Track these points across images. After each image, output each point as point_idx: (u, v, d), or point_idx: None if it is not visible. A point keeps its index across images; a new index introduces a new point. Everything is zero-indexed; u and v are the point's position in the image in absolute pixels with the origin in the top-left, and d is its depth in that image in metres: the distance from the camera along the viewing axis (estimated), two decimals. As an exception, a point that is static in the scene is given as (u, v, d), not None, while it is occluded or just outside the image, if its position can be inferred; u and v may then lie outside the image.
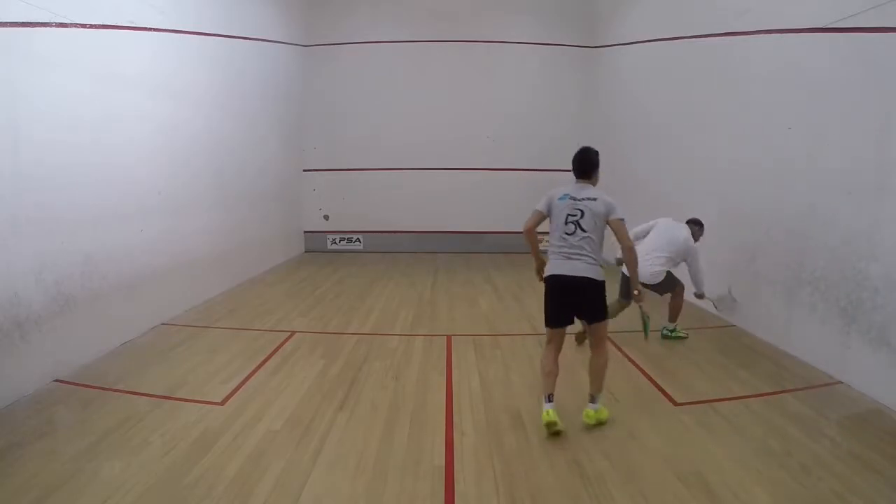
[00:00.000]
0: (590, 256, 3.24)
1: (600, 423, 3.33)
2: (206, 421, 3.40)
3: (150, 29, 5.34)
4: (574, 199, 3.29)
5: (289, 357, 4.65)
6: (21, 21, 3.75)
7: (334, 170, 10.90)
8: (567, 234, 3.26)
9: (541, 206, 3.42)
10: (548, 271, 3.36)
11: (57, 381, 4.01)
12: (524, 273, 8.79)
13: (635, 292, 3.61)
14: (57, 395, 3.81)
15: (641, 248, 4.61)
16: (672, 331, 5.08)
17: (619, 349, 4.82)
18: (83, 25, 4.39)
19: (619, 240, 3.34)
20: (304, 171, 10.85)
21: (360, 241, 10.99)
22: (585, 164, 3.40)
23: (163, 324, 5.53)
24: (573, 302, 3.31)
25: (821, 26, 4.35)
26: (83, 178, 4.43)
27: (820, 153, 4.40)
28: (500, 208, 10.84)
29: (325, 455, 3.02)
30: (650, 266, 4.76)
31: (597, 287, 3.27)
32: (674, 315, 5.07)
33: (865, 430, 3.31)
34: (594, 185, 3.41)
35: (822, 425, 3.39)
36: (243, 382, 4.06)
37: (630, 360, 4.57)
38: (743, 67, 5.54)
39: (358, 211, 10.85)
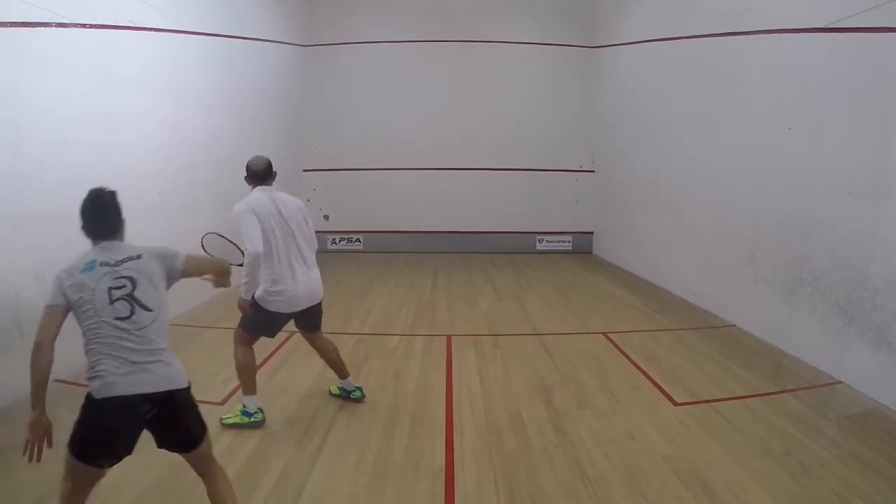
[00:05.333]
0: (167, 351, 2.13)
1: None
2: (207, 421, 3.38)
3: (150, 29, 5.34)
4: (109, 264, 2.16)
5: (289, 357, 4.64)
6: (21, 21, 3.75)
7: (334, 170, 10.90)
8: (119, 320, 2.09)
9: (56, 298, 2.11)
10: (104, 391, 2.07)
11: (57, 380, 3.99)
12: (524, 273, 8.81)
13: None
14: (57, 395, 3.77)
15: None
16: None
17: (620, 349, 4.83)
18: (83, 25, 4.38)
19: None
20: (304, 171, 10.85)
21: (359, 241, 10.99)
22: (111, 215, 2.29)
23: (163, 324, 5.52)
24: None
25: (820, 26, 4.35)
26: (83, 178, 4.38)
27: (820, 153, 4.40)
28: (500, 208, 10.87)
29: (325, 455, 3.03)
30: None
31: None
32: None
33: (865, 430, 3.31)
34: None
35: (822, 425, 3.40)
36: (243, 382, 4.06)
37: (630, 360, 4.57)
38: (743, 67, 5.54)
39: (358, 211, 10.85)
